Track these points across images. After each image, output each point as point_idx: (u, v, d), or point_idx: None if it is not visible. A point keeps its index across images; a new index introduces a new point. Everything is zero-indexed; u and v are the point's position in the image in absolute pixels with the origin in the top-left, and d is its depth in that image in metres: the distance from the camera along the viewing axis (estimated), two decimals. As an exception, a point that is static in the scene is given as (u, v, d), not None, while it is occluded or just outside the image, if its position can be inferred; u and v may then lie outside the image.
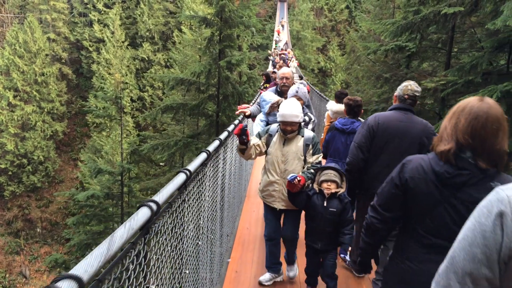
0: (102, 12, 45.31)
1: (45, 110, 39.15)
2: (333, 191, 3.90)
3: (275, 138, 4.26)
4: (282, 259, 4.67)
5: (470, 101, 2.02)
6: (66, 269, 28.26)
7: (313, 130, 5.15)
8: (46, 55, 40.84)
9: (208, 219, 3.91)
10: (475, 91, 6.28)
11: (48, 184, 38.21)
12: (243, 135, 4.12)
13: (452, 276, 1.38)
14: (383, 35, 12.09)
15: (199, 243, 3.43)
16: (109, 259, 1.49)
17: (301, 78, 17.23)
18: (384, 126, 3.75)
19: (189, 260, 3.04)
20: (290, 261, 4.65)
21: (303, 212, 4.33)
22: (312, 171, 4.09)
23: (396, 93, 3.97)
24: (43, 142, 37.71)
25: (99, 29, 43.65)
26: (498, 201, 1.31)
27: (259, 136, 4.36)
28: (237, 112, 6.19)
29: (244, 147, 4.24)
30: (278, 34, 45.60)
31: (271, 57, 34.07)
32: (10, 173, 36.19)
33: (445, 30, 9.99)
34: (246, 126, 4.19)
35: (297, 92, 5.20)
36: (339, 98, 6.27)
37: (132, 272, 1.75)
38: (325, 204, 3.90)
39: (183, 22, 39.96)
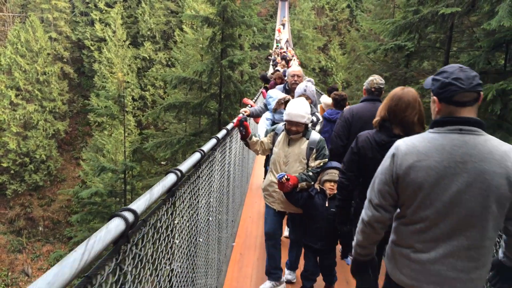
0: (104, 11, 45.39)
1: (47, 109, 39.25)
2: (335, 191, 3.78)
3: (280, 137, 4.16)
4: (282, 265, 4.48)
5: (396, 89, 3.09)
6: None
7: (321, 131, 5.12)
8: (48, 54, 40.95)
9: (217, 200, 4.38)
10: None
11: (50, 183, 38.28)
12: (241, 126, 4.17)
13: (373, 193, 2.24)
14: (382, 35, 12.24)
15: (210, 219, 3.94)
16: (152, 203, 1.95)
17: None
18: (358, 115, 4.23)
19: (202, 231, 3.53)
20: (293, 267, 4.56)
21: None
22: (310, 174, 3.95)
23: (364, 87, 4.47)
24: (45, 141, 37.82)
25: (100, 28, 43.77)
26: (393, 148, 2.17)
27: (266, 133, 4.34)
28: (241, 111, 6.03)
29: (244, 141, 4.28)
30: (279, 33, 45.63)
31: (271, 57, 34.08)
32: (12, 171, 36.28)
33: (443, 30, 10.15)
34: (245, 119, 4.21)
35: (305, 90, 5.04)
36: (330, 93, 6.93)
37: (164, 224, 2.26)
38: (326, 204, 3.88)
39: (184, 21, 40.12)
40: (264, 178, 4.59)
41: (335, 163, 3.97)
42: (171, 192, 2.36)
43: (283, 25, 51.57)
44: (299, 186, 3.87)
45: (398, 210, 2.23)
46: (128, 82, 39.91)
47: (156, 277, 2.24)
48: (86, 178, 33.60)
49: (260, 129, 5.47)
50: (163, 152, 17.51)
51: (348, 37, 43.33)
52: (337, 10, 56.83)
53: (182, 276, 2.80)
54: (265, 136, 4.33)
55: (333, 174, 3.87)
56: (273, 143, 4.22)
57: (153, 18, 46.37)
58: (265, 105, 5.89)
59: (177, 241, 2.65)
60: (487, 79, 6.98)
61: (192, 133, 18.34)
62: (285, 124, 4.09)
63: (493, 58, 7.95)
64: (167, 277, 2.48)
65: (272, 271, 4.34)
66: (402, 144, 2.13)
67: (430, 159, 2.04)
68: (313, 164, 3.99)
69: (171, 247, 2.49)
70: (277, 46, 39.11)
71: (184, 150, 17.49)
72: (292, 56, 30.88)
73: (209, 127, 18.52)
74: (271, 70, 27.06)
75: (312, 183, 3.98)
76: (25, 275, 32.30)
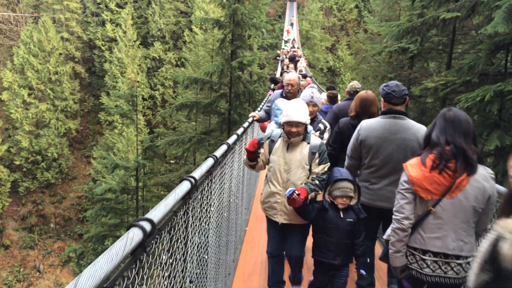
0: (114, 12, 45.60)
1: (59, 108, 39.57)
2: (348, 203, 3.66)
3: (277, 144, 3.82)
4: (286, 277, 4.30)
5: (361, 93, 4.64)
6: (81, 259, 28.90)
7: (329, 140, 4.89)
8: (60, 54, 41.23)
9: (236, 187, 5.33)
10: (472, 90, 6.78)
11: (62, 181, 38.64)
12: (257, 150, 3.83)
13: (349, 150, 4.10)
14: (386, 37, 12.70)
15: (231, 200, 4.70)
16: (168, 211, 2.13)
17: (304, 77, 17.45)
18: (343, 109, 5.42)
19: (224, 213, 4.35)
20: (296, 281, 4.27)
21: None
22: (317, 182, 3.65)
23: (346, 90, 6.66)
24: (57, 140, 38.18)
25: (111, 29, 44.01)
26: (359, 125, 3.99)
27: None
28: (250, 115, 5.98)
29: (254, 163, 3.93)
30: (288, 34, 45.68)
31: (279, 57, 34.18)
32: (24, 169, 36.70)
33: (445, 33, 10.61)
34: (262, 139, 3.91)
35: (312, 97, 4.83)
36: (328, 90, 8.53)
37: (178, 231, 2.50)
38: (341, 216, 3.62)
39: (194, 22, 40.44)
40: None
41: (345, 173, 3.72)
42: (184, 199, 2.52)
43: (292, 24, 51.60)
44: (308, 197, 3.59)
45: (363, 161, 3.98)
46: (138, 81, 40.27)
47: (169, 284, 2.34)
48: (96, 176, 34.03)
49: None
50: (175, 150, 17.97)
51: (354, 39, 43.51)
52: (345, 10, 56.72)
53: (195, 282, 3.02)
54: (262, 146, 3.96)
55: (346, 190, 3.60)
56: (270, 151, 3.86)
57: (163, 18, 46.56)
58: (267, 112, 5.83)
59: (197, 239, 2.86)
60: (487, 80, 7.28)
61: (203, 132, 18.80)
62: (283, 127, 3.78)
63: (495, 60, 8.26)
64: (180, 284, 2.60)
65: (275, 285, 4.18)
66: (364, 124, 3.95)
67: (377, 132, 3.81)
68: (317, 170, 3.70)
69: (183, 254, 2.61)
70: (285, 46, 39.25)
71: (194, 148, 17.98)
72: (300, 56, 31.05)
73: (219, 126, 18.99)
74: (279, 70, 27.32)
75: (320, 192, 3.72)
76: (36, 271, 32.64)
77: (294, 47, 37.24)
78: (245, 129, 6.12)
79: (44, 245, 34.54)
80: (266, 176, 3.98)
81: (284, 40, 42.39)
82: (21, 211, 36.00)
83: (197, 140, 17.50)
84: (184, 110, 19.02)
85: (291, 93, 5.55)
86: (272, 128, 4.67)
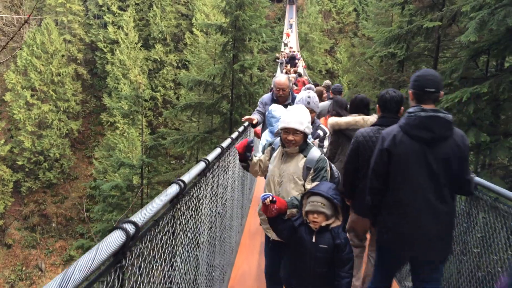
0: (116, 14, 45.94)
1: (61, 109, 39.92)
2: (322, 224, 3.01)
3: (276, 153, 3.47)
4: None
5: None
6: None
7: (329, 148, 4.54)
8: (62, 55, 41.56)
9: (238, 180, 5.61)
10: (453, 92, 7.44)
11: (63, 181, 38.95)
12: (247, 152, 3.54)
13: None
14: (376, 43, 13.42)
15: (236, 182, 4.99)
16: (153, 214, 2.03)
17: (300, 76, 18.01)
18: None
19: (227, 203, 4.44)
20: None
21: None
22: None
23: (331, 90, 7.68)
24: (59, 140, 38.50)
25: (113, 31, 44.38)
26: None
27: (263, 148, 3.69)
28: (243, 119, 5.43)
29: (245, 164, 3.63)
30: (288, 37, 46.01)
31: (278, 59, 34.50)
32: (27, 169, 37.07)
33: (430, 40, 11.34)
34: (252, 142, 3.55)
35: (308, 103, 4.29)
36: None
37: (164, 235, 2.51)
38: (313, 240, 3.02)
39: (195, 25, 40.90)
40: None
41: (323, 186, 3.11)
42: (172, 203, 2.43)
43: (291, 25, 51.98)
44: (288, 212, 3.15)
45: None
46: (140, 83, 40.62)
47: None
48: (98, 176, 34.35)
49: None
50: (180, 148, 18.64)
51: (348, 43, 44.11)
52: (343, 13, 57.02)
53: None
54: (263, 152, 3.65)
55: (316, 204, 3.00)
56: (269, 159, 3.54)
57: (164, 21, 46.98)
58: (261, 113, 5.46)
59: (179, 259, 2.69)
60: (467, 83, 7.92)
61: (206, 131, 19.58)
62: (280, 134, 3.37)
63: (476, 65, 8.91)
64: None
65: None
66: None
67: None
68: (309, 186, 3.20)
69: (170, 259, 2.47)
70: (285, 49, 39.57)
71: (198, 146, 18.74)
72: (298, 59, 31.51)
73: (221, 125, 19.74)
74: (278, 72, 27.73)
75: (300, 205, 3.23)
76: (38, 270, 32.86)
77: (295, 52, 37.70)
78: (240, 134, 5.95)
79: (46, 244, 34.90)
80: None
81: (284, 43, 42.70)
82: (24, 211, 36.33)
83: (200, 138, 18.32)
84: (189, 110, 19.81)
85: (282, 97, 5.27)
86: (266, 138, 4.30)
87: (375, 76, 15.32)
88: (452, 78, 8.11)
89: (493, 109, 7.90)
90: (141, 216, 1.84)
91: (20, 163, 36.90)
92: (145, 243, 1.97)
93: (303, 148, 3.29)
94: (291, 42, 44.12)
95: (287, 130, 3.23)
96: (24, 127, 37.44)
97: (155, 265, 2.16)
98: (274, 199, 3.00)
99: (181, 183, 2.50)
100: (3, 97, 38.85)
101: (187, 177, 2.69)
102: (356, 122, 4.17)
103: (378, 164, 3.05)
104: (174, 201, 2.44)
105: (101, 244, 1.47)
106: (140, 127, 24.95)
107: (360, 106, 4.34)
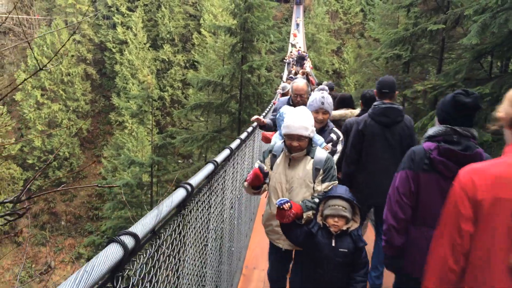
0: (125, 15, 46.19)
1: (71, 108, 40.28)
2: (342, 228, 3.00)
3: (279, 159, 3.28)
4: None
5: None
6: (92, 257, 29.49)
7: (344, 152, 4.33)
8: (72, 56, 41.88)
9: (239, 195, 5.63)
10: (457, 93, 7.57)
11: (73, 179, 38.81)
12: (264, 181, 3.18)
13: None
14: (382, 45, 13.72)
15: (235, 206, 5.11)
16: (160, 220, 1.92)
17: (308, 78, 18.15)
18: None
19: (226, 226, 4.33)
20: None
21: None
22: (316, 200, 3.11)
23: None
24: (68, 139, 38.77)
25: (122, 31, 44.65)
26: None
27: (263, 157, 3.41)
28: (252, 119, 5.22)
29: (258, 191, 3.30)
30: (295, 37, 46.08)
31: (286, 60, 34.61)
32: (37, 168, 37.07)
33: (435, 42, 11.63)
34: (266, 173, 3.16)
35: (322, 103, 4.06)
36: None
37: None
38: (333, 244, 2.98)
39: (203, 25, 41.11)
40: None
41: (340, 189, 3.09)
42: (179, 208, 2.26)
43: (298, 25, 51.99)
44: (304, 216, 3.06)
45: None
46: (150, 83, 40.82)
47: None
48: (107, 175, 34.67)
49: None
50: (189, 146, 18.94)
51: (355, 44, 44.20)
52: (350, 14, 56.86)
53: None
54: (263, 161, 3.39)
55: (337, 208, 2.99)
56: (272, 167, 3.32)
57: (173, 21, 47.20)
58: (273, 121, 5.11)
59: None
60: (470, 84, 8.09)
61: (215, 130, 19.92)
62: (284, 140, 3.24)
63: (481, 66, 9.10)
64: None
65: None
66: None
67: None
68: (319, 188, 3.15)
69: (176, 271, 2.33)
70: (292, 49, 39.66)
71: (207, 145, 19.06)
72: (306, 59, 31.65)
73: (230, 125, 20.07)
74: (285, 73, 27.91)
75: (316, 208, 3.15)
76: (48, 267, 33.37)
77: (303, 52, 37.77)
78: (249, 134, 5.98)
79: (55, 242, 35.21)
80: (266, 195, 3.47)
81: (291, 44, 42.80)
82: (33, 209, 36.28)
83: (210, 137, 18.65)
84: (198, 110, 20.12)
85: (300, 104, 4.72)
86: (275, 140, 4.00)
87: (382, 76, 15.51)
88: (456, 79, 8.35)
89: (496, 109, 8.07)
90: (140, 227, 1.71)
91: (30, 161, 37.24)
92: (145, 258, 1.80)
93: (309, 150, 3.20)
94: (298, 42, 44.13)
95: (291, 137, 3.12)
96: (34, 126, 37.76)
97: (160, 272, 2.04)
98: (291, 204, 2.92)
99: (188, 187, 2.38)
100: (14, 96, 39.16)
101: (195, 180, 2.60)
102: (345, 114, 5.43)
103: (355, 140, 4.14)
104: (180, 206, 2.29)
105: (95, 259, 1.39)
106: (149, 126, 25.26)
107: (349, 103, 5.64)
